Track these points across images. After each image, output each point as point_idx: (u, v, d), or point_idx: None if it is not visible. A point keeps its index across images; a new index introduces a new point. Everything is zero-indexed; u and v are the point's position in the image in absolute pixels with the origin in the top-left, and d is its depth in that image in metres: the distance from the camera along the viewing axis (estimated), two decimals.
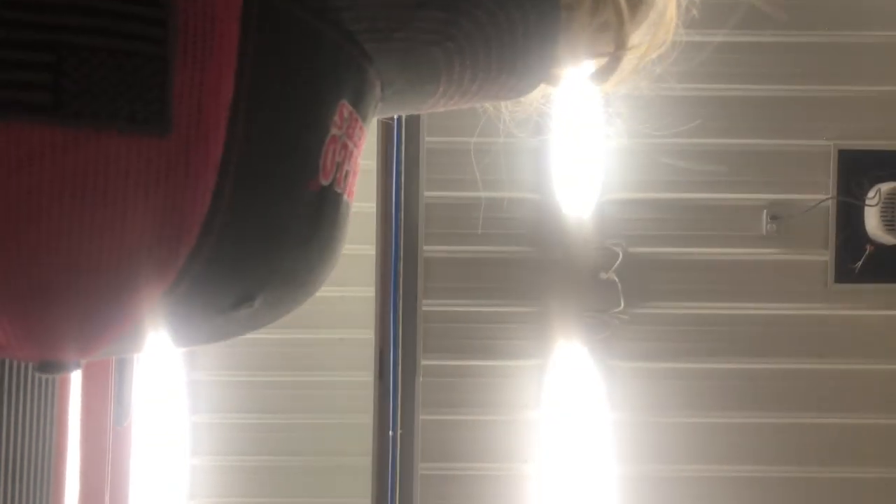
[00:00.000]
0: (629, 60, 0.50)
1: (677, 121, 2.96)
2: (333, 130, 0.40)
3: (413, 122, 2.68)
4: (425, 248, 3.00)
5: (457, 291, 3.10)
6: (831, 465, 3.09)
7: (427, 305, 3.02)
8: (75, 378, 2.21)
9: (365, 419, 2.88)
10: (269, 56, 0.36)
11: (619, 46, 0.48)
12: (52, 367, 0.38)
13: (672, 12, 0.50)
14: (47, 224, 0.33)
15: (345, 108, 0.41)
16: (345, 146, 0.42)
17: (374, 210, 2.67)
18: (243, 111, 0.35)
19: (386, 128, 2.56)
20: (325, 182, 0.41)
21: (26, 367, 1.86)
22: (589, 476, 3.05)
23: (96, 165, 0.33)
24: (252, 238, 0.38)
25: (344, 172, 0.43)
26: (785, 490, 3.09)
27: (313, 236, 0.41)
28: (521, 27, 0.43)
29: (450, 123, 2.87)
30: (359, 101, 0.42)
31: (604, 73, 0.50)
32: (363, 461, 2.90)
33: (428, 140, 2.87)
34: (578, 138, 2.90)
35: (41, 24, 0.31)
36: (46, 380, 1.98)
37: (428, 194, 2.94)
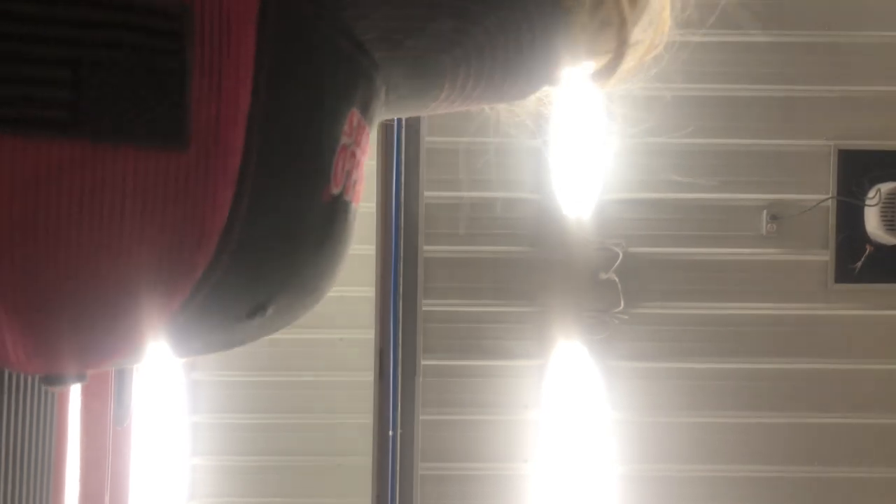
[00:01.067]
0: (630, 58, 0.50)
1: (678, 121, 2.96)
2: (344, 139, 0.40)
3: (413, 123, 2.68)
4: (425, 248, 3.00)
5: (457, 291, 3.10)
6: (830, 465, 3.09)
7: (427, 305, 3.02)
8: None
9: (365, 419, 2.88)
10: (285, 65, 0.36)
11: (621, 44, 0.47)
12: (58, 380, 0.38)
13: (667, 11, 0.50)
14: (66, 240, 0.32)
15: (355, 115, 0.41)
16: (353, 154, 0.42)
17: (374, 210, 2.67)
18: (260, 122, 0.35)
19: (386, 128, 2.56)
20: (336, 191, 0.41)
21: None
22: (588, 475, 3.05)
23: (114, 181, 0.32)
24: (267, 249, 0.38)
25: (353, 181, 0.43)
26: (784, 489, 3.09)
27: (324, 244, 0.41)
28: (528, 34, 0.43)
29: (450, 123, 2.87)
30: (366, 109, 0.42)
31: (605, 72, 0.50)
32: (363, 461, 2.90)
33: (428, 140, 2.87)
34: (579, 138, 2.90)
35: (58, 38, 0.31)
36: None
37: (428, 194, 2.94)
